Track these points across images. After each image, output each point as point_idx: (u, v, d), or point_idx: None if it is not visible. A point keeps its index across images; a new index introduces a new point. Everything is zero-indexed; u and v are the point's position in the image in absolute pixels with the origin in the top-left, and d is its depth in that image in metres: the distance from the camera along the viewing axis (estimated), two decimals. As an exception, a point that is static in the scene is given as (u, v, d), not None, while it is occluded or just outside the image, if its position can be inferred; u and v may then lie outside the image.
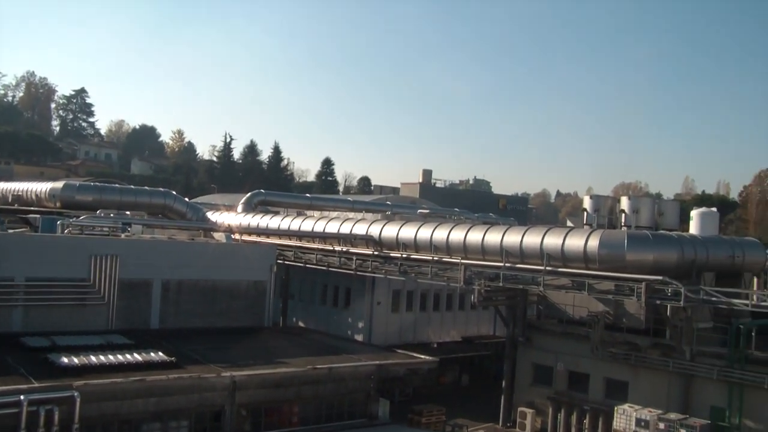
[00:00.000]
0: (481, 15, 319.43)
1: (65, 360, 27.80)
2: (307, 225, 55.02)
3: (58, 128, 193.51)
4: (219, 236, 46.97)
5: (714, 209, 53.46)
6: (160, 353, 30.01)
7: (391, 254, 47.87)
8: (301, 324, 56.05)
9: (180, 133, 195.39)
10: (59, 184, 55.99)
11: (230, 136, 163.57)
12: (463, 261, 43.07)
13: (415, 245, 46.86)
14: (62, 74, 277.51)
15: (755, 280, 44.17)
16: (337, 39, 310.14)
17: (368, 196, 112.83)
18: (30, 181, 64.60)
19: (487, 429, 43.30)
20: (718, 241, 42.72)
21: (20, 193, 61.08)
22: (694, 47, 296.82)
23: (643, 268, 36.99)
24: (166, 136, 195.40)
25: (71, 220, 40.79)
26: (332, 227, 52.74)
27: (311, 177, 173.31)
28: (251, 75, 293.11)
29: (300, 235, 54.57)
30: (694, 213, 50.60)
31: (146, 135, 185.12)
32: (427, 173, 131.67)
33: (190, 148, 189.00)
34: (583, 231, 41.11)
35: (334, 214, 63.12)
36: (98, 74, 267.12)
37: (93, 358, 28.36)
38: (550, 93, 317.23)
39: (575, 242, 39.19)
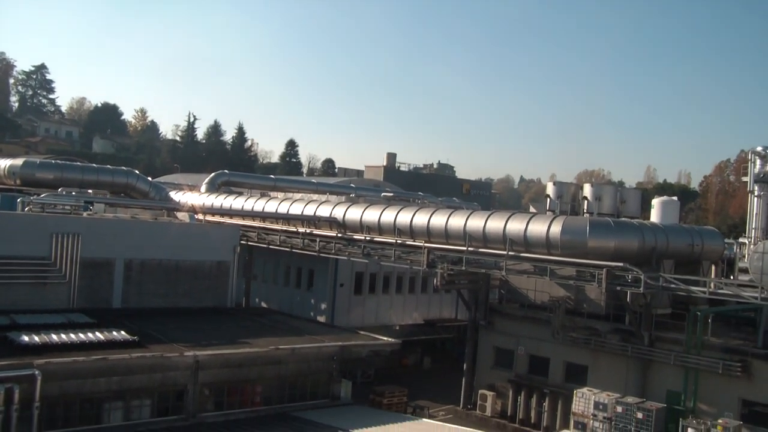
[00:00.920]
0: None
1: (26, 338, 27.58)
2: (270, 206, 54.93)
3: (16, 104, 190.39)
4: (182, 216, 46.77)
5: (675, 198, 54.36)
6: (123, 332, 29.89)
7: (355, 237, 47.99)
8: (264, 305, 56.05)
9: (143, 111, 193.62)
10: (19, 161, 55.24)
11: (194, 116, 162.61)
12: (426, 244, 43.31)
13: (379, 228, 47.00)
14: (21, 49, 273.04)
15: (713, 268, 44.92)
16: (301, 20, 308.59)
17: (332, 179, 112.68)
18: (-13, 159, 63.61)
19: (448, 410, 43.72)
20: (678, 230, 43.37)
21: (-22, 171, 60.12)
22: (657, 37, 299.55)
23: (604, 254, 37.44)
24: (128, 115, 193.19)
25: (32, 197, 40.35)
26: (296, 209, 52.72)
27: (275, 158, 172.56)
28: (216, 54, 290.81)
29: (263, 216, 54.47)
30: (656, 201, 51.36)
31: (108, 113, 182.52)
32: (391, 156, 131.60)
33: (153, 128, 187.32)
34: (545, 217, 41.50)
35: (298, 195, 63.11)
36: (59, 50, 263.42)
37: (54, 337, 28.19)
38: (515, 79, 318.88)
39: (538, 228, 39.54)
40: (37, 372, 24.70)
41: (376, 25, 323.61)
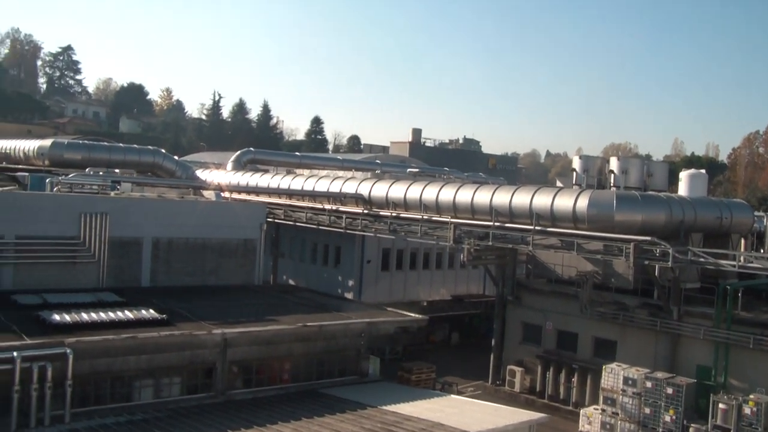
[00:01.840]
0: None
1: (57, 317, 27.83)
2: (296, 183, 55.02)
3: (44, 86, 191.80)
4: (209, 194, 46.96)
5: (703, 171, 53.73)
6: (151, 311, 30.07)
7: (381, 213, 47.99)
8: (291, 282, 56.29)
9: (168, 91, 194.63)
10: (47, 142, 55.77)
11: (219, 94, 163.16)
12: (452, 220, 43.23)
13: (405, 204, 46.96)
14: (48, 31, 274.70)
15: (742, 241, 44.53)
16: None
17: (358, 155, 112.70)
18: (17, 139, 64.29)
19: (476, 387, 43.82)
20: (707, 203, 42.99)
21: (8, 152, 60.82)
22: (685, 7, 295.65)
23: (631, 228, 37.21)
24: (154, 94, 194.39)
25: (60, 178, 40.64)
26: (322, 186, 52.76)
27: (301, 136, 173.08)
28: (240, 32, 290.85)
29: (290, 193, 54.59)
30: (683, 174, 50.82)
31: (134, 93, 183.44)
32: (416, 132, 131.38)
33: (178, 107, 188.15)
34: (572, 191, 41.25)
35: (324, 172, 63.14)
36: (85, 31, 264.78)
37: (84, 316, 28.39)
38: (541, 53, 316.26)
39: (564, 202, 39.34)
40: (68, 350, 24.93)
41: (402, 4, 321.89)
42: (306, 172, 63.89)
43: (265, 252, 43.85)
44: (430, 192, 45.78)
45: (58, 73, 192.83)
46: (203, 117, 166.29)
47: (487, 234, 41.52)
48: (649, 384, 35.23)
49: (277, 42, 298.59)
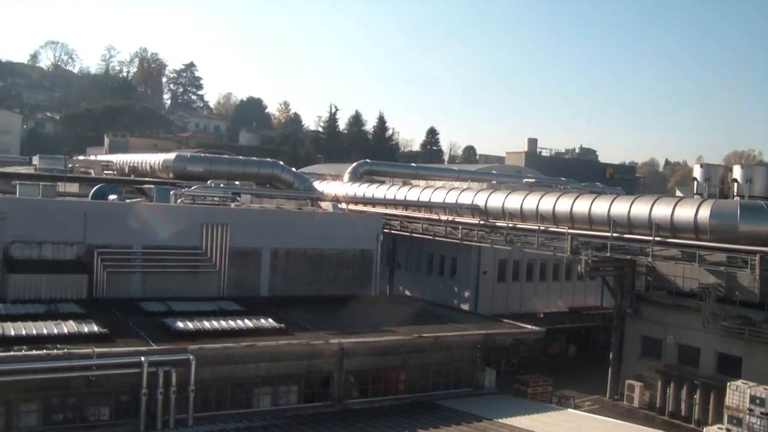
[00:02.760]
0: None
1: (181, 324, 28.81)
2: (412, 194, 55.24)
3: (169, 102, 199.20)
4: (326, 206, 47.67)
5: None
6: (270, 320, 30.72)
7: (497, 223, 47.67)
8: (407, 293, 56.51)
9: (286, 104, 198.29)
10: (171, 156, 57.80)
11: (335, 107, 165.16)
12: (569, 231, 42.62)
13: (521, 214, 46.53)
14: (172, 50, 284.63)
15: None
16: (441, 6, 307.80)
17: (473, 166, 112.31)
18: (144, 153, 66.95)
19: (594, 401, 42.96)
20: (839, 212, 41.00)
21: (136, 165, 63.41)
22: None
23: (756, 239, 35.89)
24: (272, 108, 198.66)
25: (183, 190, 42.01)
26: (438, 196, 52.80)
27: (416, 147, 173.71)
28: (356, 45, 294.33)
29: (406, 204, 54.84)
30: (813, 183, 48.59)
31: (253, 107, 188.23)
32: (532, 142, 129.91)
33: (296, 119, 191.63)
34: (693, 201, 40.07)
35: (440, 183, 63.21)
36: (207, 49, 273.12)
37: (206, 323, 29.25)
38: (658, 59, 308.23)
39: (685, 212, 38.26)
40: (191, 357, 25.78)
41: (516, 8, 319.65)
42: (422, 183, 64.09)
43: (381, 263, 44.18)
44: (546, 202, 45.26)
45: (181, 89, 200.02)
46: (320, 129, 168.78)
47: (605, 245, 40.75)
48: (778, 403, 33.72)
49: (393, 54, 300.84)
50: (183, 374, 25.54)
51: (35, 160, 69.89)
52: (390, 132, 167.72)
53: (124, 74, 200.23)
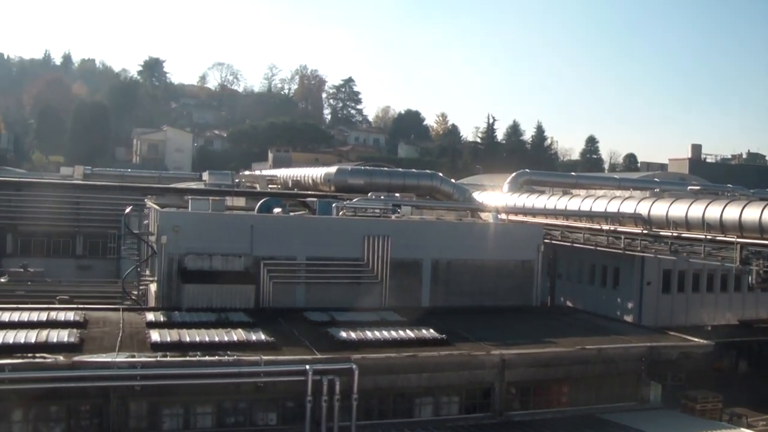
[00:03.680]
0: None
1: (344, 334, 29.36)
2: (573, 204, 54.29)
3: (329, 116, 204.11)
4: (486, 216, 47.47)
5: None
6: (431, 330, 30.82)
7: (661, 233, 46.06)
8: (569, 304, 55.52)
9: (444, 116, 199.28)
10: (333, 169, 59.21)
11: (493, 117, 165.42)
12: (738, 240, 40.64)
13: (687, 223, 44.75)
14: (331, 66, 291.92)
15: None
16: (594, 14, 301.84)
17: (635, 174, 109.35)
18: (306, 167, 69.07)
19: (768, 420, 40.90)
20: None
21: (299, 179, 65.37)
22: None
23: None
24: (430, 120, 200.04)
25: (345, 202, 42.86)
26: (599, 206, 51.67)
27: (575, 155, 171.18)
28: (511, 54, 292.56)
29: (566, 214, 53.96)
30: None
31: (411, 119, 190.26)
32: (696, 148, 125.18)
33: (454, 131, 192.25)
34: None
35: (600, 192, 61.76)
36: (364, 63, 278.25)
37: (369, 334, 29.66)
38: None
39: None
40: (354, 366, 26.19)
41: (677, 10, 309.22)
42: (582, 192, 62.89)
43: (542, 273, 43.59)
44: (713, 210, 43.34)
45: (340, 104, 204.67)
46: (478, 140, 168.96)
47: (779, 255, 38.68)
48: None
49: (550, 63, 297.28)
50: (346, 383, 25.99)
51: (205, 176, 73.33)
52: (548, 141, 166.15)
53: (286, 91, 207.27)
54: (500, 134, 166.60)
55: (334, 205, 41.96)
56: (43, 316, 29.41)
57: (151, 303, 37.07)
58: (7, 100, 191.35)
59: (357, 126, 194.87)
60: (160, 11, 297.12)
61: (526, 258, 41.34)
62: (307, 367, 25.51)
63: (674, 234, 45.03)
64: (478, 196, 61.61)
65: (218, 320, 30.29)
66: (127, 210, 40.83)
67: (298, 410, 26.12)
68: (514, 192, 63.55)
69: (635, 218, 47.95)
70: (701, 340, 35.64)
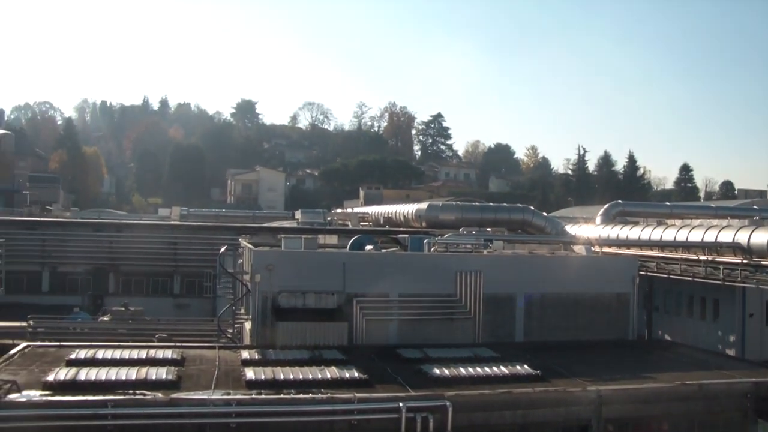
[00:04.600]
0: None
1: (437, 371, 29.20)
2: (668, 234, 53.05)
3: (419, 153, 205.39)
4: (579, 249, 46.82)
5: None
6: (526, 366, 30.41)
7: (762, 262, 44.59)
8: (666, 337, 54.10)
9: (534, 149, 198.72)
10: (424, 206, 59.46)
11: (583, 149, 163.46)
12: None
13: (791, 253, 43.27)
14: (420, 102, 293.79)
15: None
16: (682, 41, 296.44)
17: (732, 201, 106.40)
18: (398, 204, 69.41)
19: None
20: None
21: (390, 216, 65.79)
22: None
23: None
24: (520, 153, 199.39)
25: (437, 238, 42.84)
26: (695, 235, 50.34)
27: (669, 185, 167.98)
28: (600, 85, 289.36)
29: (662, 245, 52.76)
30: None
31: (501, 153, 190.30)
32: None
33: (544, 163, 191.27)
34: None
35: (697, 221, 60.26)
36: (452, 99, 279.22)
37: (462, 370, 29.42)
38: None
39: None
40: (448, 403, 25.97)
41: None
42: (677, 221, 61.45)
43: (638, 306, 42.67)
44: (819, 238, 41.81)
45: (430, 140, 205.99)
46: (569, 172, 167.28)
47: None
48: None
49: (640, 92, 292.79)
50: (440, 420, 25.76)
51: (297, 214, 74.61)
52: (641, 170, 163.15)
53: (376, 129, 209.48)
54: (591, 165, 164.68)
55: (425, 241, 41.96)
56: (143, 354, 30.24)
57: (246, 341, 37.66)
58: (110, 145, 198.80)
59: (447, 161, 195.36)
60: (252, 55, 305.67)
61: (622, 291, 40.53)
62: (401, 404, 25.39)
63: (776, 263, 43.53)
64: (571, 228, 60.86)
65: (312, 358, 30.51)
66: (222, 249, 41.64)
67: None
68: (607, 224, 62.53)
69: (734, 247, 46.53)
70: (811, 376, 34.15)
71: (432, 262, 38.46)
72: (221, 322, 40.92)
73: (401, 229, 59.77)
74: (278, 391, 25.88)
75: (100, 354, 29.83)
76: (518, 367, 30.30)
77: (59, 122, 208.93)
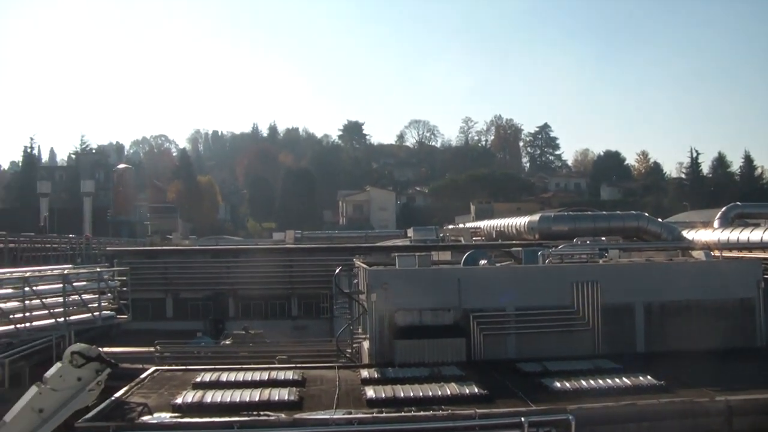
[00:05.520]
0: None
1: (558, 384, 28.89)
2: (793, 236, 51.12)
3: (528, 164, 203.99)
4: (697, 254, 45.65)
5: None
6: (649, 377, 29.76)
7: None
8: (796, 343, 51.96)
9: (644, 154, 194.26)
10: (536, 217, 59.09)
11: (696, 151, 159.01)
12: None
13: None
14: (526, 113, 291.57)
15: None
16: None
17: None
18: (509, 217, 69.10)
19: None
20: None
21: (502, 229, 65.63)
22: None
23: None
24: (631, 159, 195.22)
25: (551, 250, 42.48)
26: (823, 236, 48.39)
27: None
28: (709, 85, 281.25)
29: (786, 246, 50.87)
30: None
31: (611, 160, 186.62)
32: None
33: (656, 168, 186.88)
34: None
35: (824, 222, 57.95)
36: (559, 108, 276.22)
37: (584, 383, 29.01)
38: None
39: None
40: (571, 417, 25.64)
41: None
42: (802, 222, 59.16)
43: (764, 311, 41.22)
44: None
45: (538, 151, 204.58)
46: (682, 176, 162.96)
47: None
48: None
49: (753, 87, 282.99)
50: (563, 435, 25.55)
51: (410, 232, 75.07)
52: (759, 171, 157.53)
53: (483, 143, 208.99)
54: (705, 168, 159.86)
55: (539, 253, 41.63)
56: (265, 376, 30.93)
57: (365, 360, 38.05)
58: (223, 173, 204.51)
59: (556, 172, 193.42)
60: (357, 77, 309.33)
61: (745, 296, 39.21)
62: (523, 419, 25.20)
63: None
64: (688, 234, 59.26)
65: (431, 375, 30.64)
66: (337, 270, 42.26)
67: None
68: (725, 227, 60.55)
69: None
70: None
71: (547, 274, 38.16)
72: (340, 342, 41.49)
73: (514, 242, 59.43)
74: (399, 409, 26.09)
75: (224, 377, 30.74)
76: (641, 377, 29.68)
77: (174, 154, 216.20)
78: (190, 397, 27.13)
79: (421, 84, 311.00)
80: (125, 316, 34.31)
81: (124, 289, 35.12)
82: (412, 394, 27.39)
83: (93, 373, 15.17)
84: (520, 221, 62.33)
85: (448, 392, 27.68)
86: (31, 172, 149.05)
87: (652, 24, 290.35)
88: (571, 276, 37.22)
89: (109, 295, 33.97)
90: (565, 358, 34.27)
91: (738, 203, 68.53)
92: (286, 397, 27.16)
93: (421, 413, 25.60)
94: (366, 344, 38.26)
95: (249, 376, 30.87)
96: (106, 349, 30.19)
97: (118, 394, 28.39)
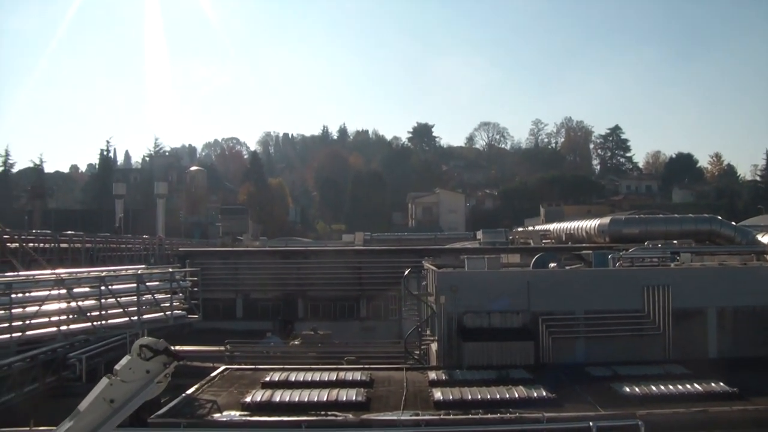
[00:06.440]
0: None
1: (627, 389, 28.66)
2: None
3: (598, 167, 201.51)
4: (773, 259, 44.80)
5: None
6: (721, 383, 29.26)
7: None
8: None
9: (718, 156, 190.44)
10: (606, 220, 58.56)
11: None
12: None
13: None
14: (596, 115, 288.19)
15: None
16: None
17: None
18: (579, 220, 68.61)
19: None
20: None
21: (572, 232, 65.18)
22: None
23: None
24: (703, 161, 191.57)
25: (621, 253, 42.06)
26: None
27: None
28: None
29: None
30: None
31: (683, 162, 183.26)
32: None
33: (730, 171, 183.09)
34: None
35: None
36: (630, 110, 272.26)
37: (654, 388, 28.69)
38: None
39: None
40: (640, 422, 25.35)
41: None
42: None
43: None
44: None
45: (609, 153, 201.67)
46: (757, 178, 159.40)
47: None
48: None
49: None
50: (632, 440, 25.34)
51: (479, 234, 75.02)
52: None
53: (553, 145, 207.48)
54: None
55: (610, 256, 41.26)
56: (333, 376, 31.33)
57: (433, 362, 38.22)
58: (293, 175, 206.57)
59: (627, 174, 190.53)
60: (426, 79, 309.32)
61: (823, 301, 38.28)
62: (591, 423, 25.03)
63: None
64: (763, 238, 58.05)
65: (499, 377, 30.64)
66: (406, 272, 42.48)
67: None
68: (803, 231, 59.22)
69: None
70: None
71: (617, 278, 37.84)
72: (408, 343, 41.73)
73: (584, 245, 58.93)
74: (466, 412, 26.23)
75: (293, 377, 31.25)
76: (713, 384, 29.22)
77: (245, 156, 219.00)
78: (259, 396, 27.70)
79: (490, 86, 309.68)
80: (196, 316, 35.05)
81: (195, 289, 35.88)
82: (479, 397, 27.51)
83: (161, 366, 15.68)
84: (591, 224, 61.81)
85: (516, 395, 27.72)
86: (107, 175, 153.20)
87: (725, 24, 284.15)
88: (641, 280, 36.78)
89: (180, 294, 34.73)
90: (635, 362, 33.92)
91: (816, 207, 66.95)
92: (354, 398, 27.51)
93: (489, 416, 25.71)
94: (434, 346, 38.44)
95: (317, 376, 31.34)
96: (177, 348, 31.02)
97: (189, 392, 29.19)
